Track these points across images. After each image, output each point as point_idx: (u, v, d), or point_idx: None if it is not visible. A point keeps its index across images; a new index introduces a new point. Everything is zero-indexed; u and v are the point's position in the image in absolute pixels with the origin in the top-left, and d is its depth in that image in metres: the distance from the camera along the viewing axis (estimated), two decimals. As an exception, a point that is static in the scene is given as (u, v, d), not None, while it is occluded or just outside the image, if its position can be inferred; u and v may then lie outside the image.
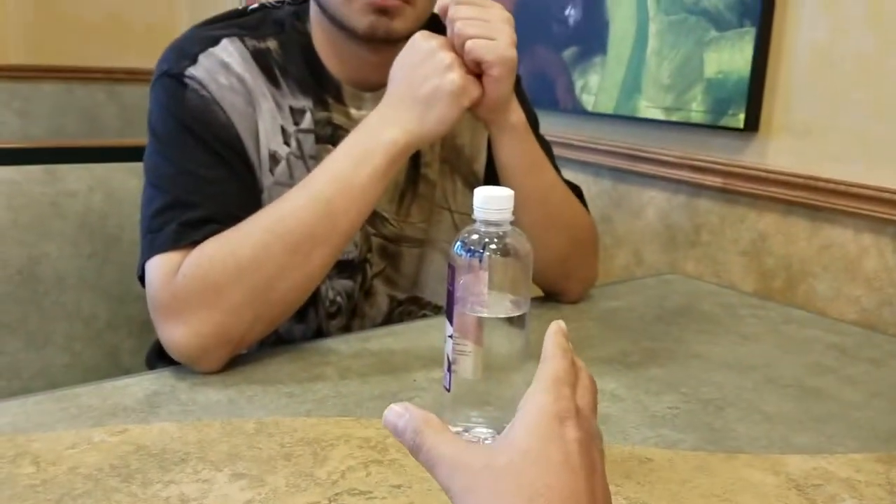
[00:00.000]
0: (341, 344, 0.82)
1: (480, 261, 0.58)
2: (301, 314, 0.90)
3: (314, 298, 0.90)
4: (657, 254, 1.28)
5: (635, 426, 0.66)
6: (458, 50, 0.76)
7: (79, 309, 1.11)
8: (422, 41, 0.77)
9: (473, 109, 0.80)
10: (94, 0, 2.88)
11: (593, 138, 1.35)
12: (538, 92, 1.38)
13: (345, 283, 0.91)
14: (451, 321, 0.60)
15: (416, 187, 0.94)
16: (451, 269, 0.59)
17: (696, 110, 1.15)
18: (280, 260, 0.72)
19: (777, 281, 1.11)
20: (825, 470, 0.60)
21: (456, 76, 0.75)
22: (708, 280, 1.19)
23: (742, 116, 1.09)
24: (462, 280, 0.59)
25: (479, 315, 0.59)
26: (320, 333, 0.91)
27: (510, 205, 0.59)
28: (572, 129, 1.39)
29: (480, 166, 0.98)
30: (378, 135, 0.76)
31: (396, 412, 0.44)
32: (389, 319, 0.96)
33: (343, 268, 0.90)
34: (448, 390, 0.61)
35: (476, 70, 0.77)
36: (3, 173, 1.08)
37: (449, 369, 0.61)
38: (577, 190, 0.99)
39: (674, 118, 1.19)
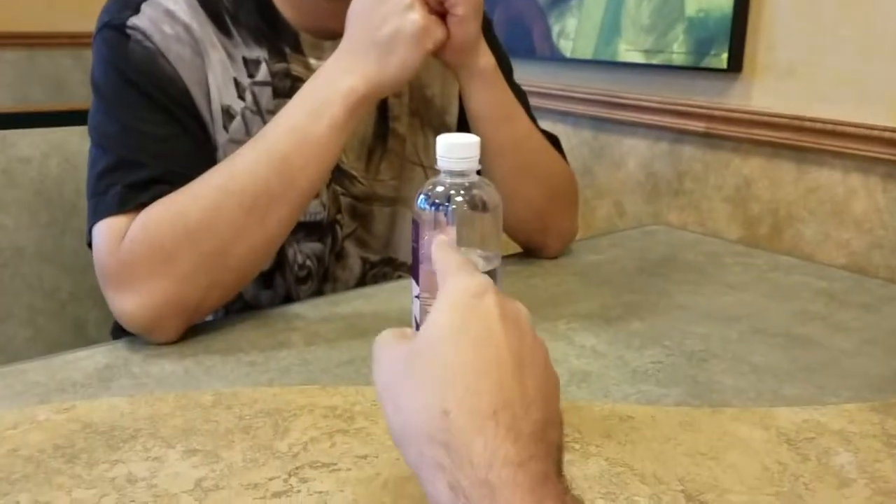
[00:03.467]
0: (309, 309, 0.78)
1: (446, 214, 0.54)
2: (267, 280, 0.86)
3: (280, 263, 0.85)
4: (640, 204, 1.24)
5: (616, 383, 0.63)
6: (418, -12, 0.71)
7: (40, 281, 1.07)
8: None
9: (439, 54, 0.75)
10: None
11: (572, 86, 1.30)
12: (514, 39, 1.32)
13: (314, 247, 0.87)
14: (417, 280, 0.56)
15: (385, 143, 0.89)
16: (416, 225, 0.55)
17: (678, 52, 1.10)
18: (234, 221, 0.68)
19: (763, 227, 1.08)
20: (817, 422, 0.57)
21: (417, 16, 0.70)
22: (692, 230, 1.15)
23: (725, 57, 1.05)
24: (427, 236, 0.54)
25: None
26: (289, 299, 0.87)
27: (476, 152, 0.54)
28: (550, 77, 1.34)
29: (452, 118, 0.93)
30: (335, 83, 0.71)
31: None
32: (363, 282, 0.91)
33: (312, 230, 0.86)
34: (416, 353, 0.57)
35: (439, 10, 0.72)
36: (-49, 141, 1.03)
37: (417, 329, 0.57)
38: (554, 139, 0.94)
39: (655, 61, 1.14)
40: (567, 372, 0.64)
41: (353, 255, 0.90)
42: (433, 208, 0.54)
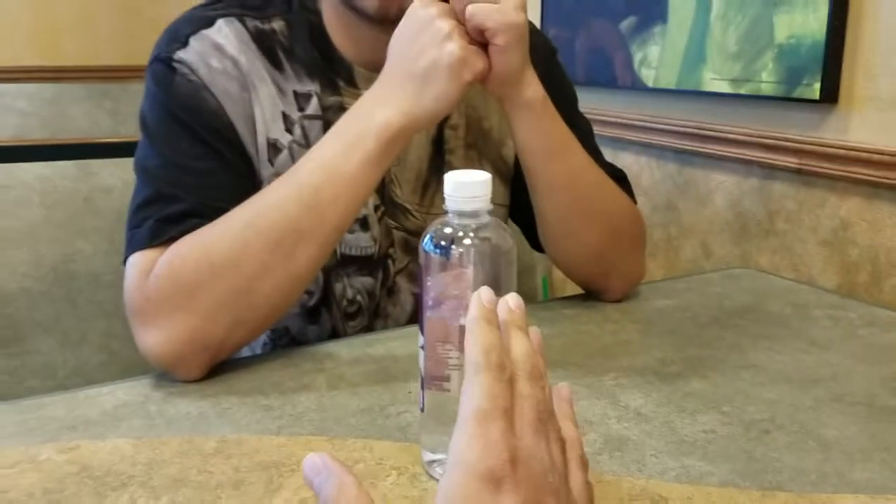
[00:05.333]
0: (343, 348, 0.75)
1: (448, 258, 0.49)
2: (313, 315, 0.84)
3: (327, 298, 0.83)
4: (727, 245, 1.14)
5: (656, 454, 0.55)
6: (459, 17, 0.67)
7: (116, 307, 1.09)
8: (419, 9, 0.68)
9: (483, 85, 0.71)
10: (178, 3, 2.93)
11: (655, 116, 1.22)
12: (595, 69, 1.26)
13: (365, 281, 0.84)
14: (422, 330, 0.51)
15: (441, 176, 0.85)
16: (421, 270, 0.51)
17: (767, 81, 1.01)
18: (260, 258, 0.66)
19: (862, 275, 0.96)
20: (890, 518, 0.48)
21: (455, 47, 0.66)
22: (784, 275, 1.04)
23: (818, 86, 0.95)
24: (432, 282, 0.50)
25: (464, 323, 0.50)
26: (336, 335, 0.84)
27: (487, 191, 0.49)
28: (632, 108, 1.27)
29: (510, 151, 0.89)
30: (370, 117, 0.68)
31: (313, 466, 0.35)
32: (415, 319, 0.88)
33: (363, 264, 0.83)
34: (423, 411, 0.52)
35: (481, 39, 0.68)
36: (36, 170, 1.07)
37: (423, 386, 0.52)
38: (620, 175, 0.88)
39: (742, 91, 1.05)
40: (602, 437, 0.58)
41: (405, 290, 0.87)
42: (439, 252, 0.49)
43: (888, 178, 0.90)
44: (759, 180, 1.09)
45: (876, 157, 0.91)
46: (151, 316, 0.66)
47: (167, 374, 0.68)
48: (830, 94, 0.95)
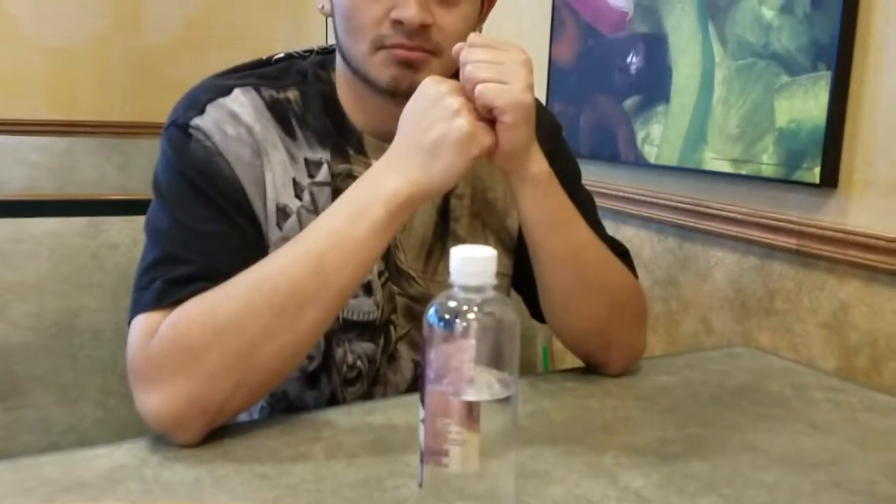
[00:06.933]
0: (341, 416, 0.75)
1: (451, 331, 0.50)
2: (313, 380, 0.84)
3: (326, 363, 0.83)
4: (728, 322, 1.15)
5: (655, 537, 0.55)
6: (469, 95, 0.70)
7: (115, 363, 1.09)
8: (431, 85, 0.71)
9: (490, 159, 0.73)
10: (190, 63, 3.00)
11: (656, 192, 1.25)
12: (599, 144, 1.29)
13: (366, 347, 0.84)
14: (423, 402, 0.52)
15: (445, 244, 0.87)
16: (424, 342, 0.51)
17: (767, 163, 1.03)
18: (264, 321, 0.66)
19: (861, 359, 0.96)
20: None
21: (464, 123, 0.68)
22: (783, 355, 1.04)
23: (818, 171, 0.97)
24: (434, 355, 0.50)
25: (464, 398, 0.51)
26: (335, 401, 0.84)
27: (492, 267, 0.50)
28: (634, 183, 1.29)
29: (514, 222, 0.90)
30: (379, 186, 0.69)
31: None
32: (415, 386, 0.88)
33: (364, 330, 0.84)
34: (421, 486, 0.52)
35: (489, 116, 0.70)
36: (46, 224, 1.09)
37: (422, 461, 0.52)
38: (622, 251, 0.89)
39: (743, 171, 1.07)
40: (600, 517, 0.57)
41: (406, 357, 0.87)
42: (443, 325, 0.50)
43: (887, 264, 0.92)
44: (759, 259, 1.10)
45: (874, 241, 0.93)
46: (153, 378, 0.66)
47: (164, 437, 0.68)
48: (830, 179, 0.97)
